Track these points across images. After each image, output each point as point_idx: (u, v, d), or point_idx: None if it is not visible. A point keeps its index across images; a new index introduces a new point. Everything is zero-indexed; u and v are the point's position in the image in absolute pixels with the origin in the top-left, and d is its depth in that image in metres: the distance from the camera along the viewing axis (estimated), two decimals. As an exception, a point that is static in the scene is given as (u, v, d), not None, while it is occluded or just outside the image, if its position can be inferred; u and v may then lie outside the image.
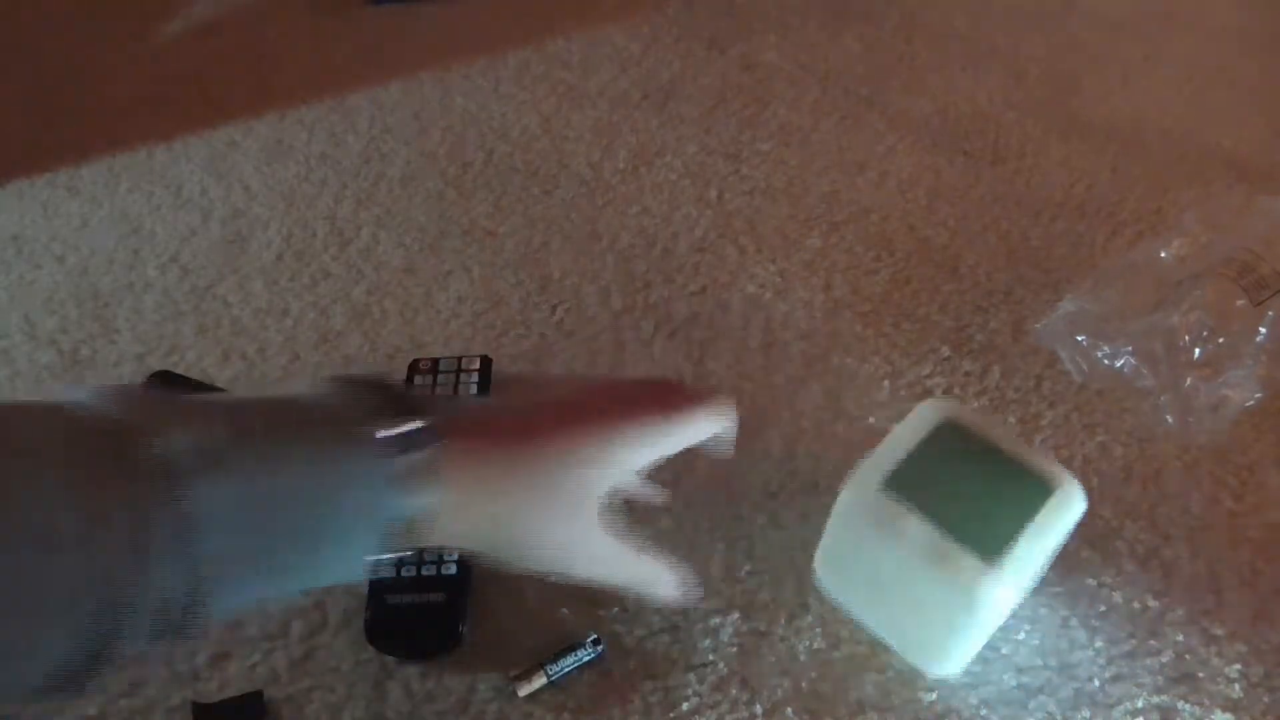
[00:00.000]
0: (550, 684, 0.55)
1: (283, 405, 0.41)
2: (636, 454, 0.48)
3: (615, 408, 0.48)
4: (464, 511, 0.43)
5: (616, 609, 0.59)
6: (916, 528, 0.51)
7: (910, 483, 0.53)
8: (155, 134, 0.92)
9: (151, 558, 0.34)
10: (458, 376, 0.69)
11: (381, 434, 0.41)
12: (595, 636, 0.56)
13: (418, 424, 0.42)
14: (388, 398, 0.43)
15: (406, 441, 0.41)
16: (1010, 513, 0.52)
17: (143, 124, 0.93)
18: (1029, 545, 0.51)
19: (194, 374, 0.71)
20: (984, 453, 0.55)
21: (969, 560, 0.50)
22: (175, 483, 0.35)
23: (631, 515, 0.63)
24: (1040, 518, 0.52)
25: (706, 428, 0.50)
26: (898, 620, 0.57)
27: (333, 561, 0.40)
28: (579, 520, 0.47)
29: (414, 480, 0.41)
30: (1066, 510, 0.53)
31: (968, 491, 0.53)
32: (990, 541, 0.51)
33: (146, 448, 0.35)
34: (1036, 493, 0.53)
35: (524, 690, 0.55)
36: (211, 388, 0.71)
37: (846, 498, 0.54)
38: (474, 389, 0.68)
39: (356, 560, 0.41)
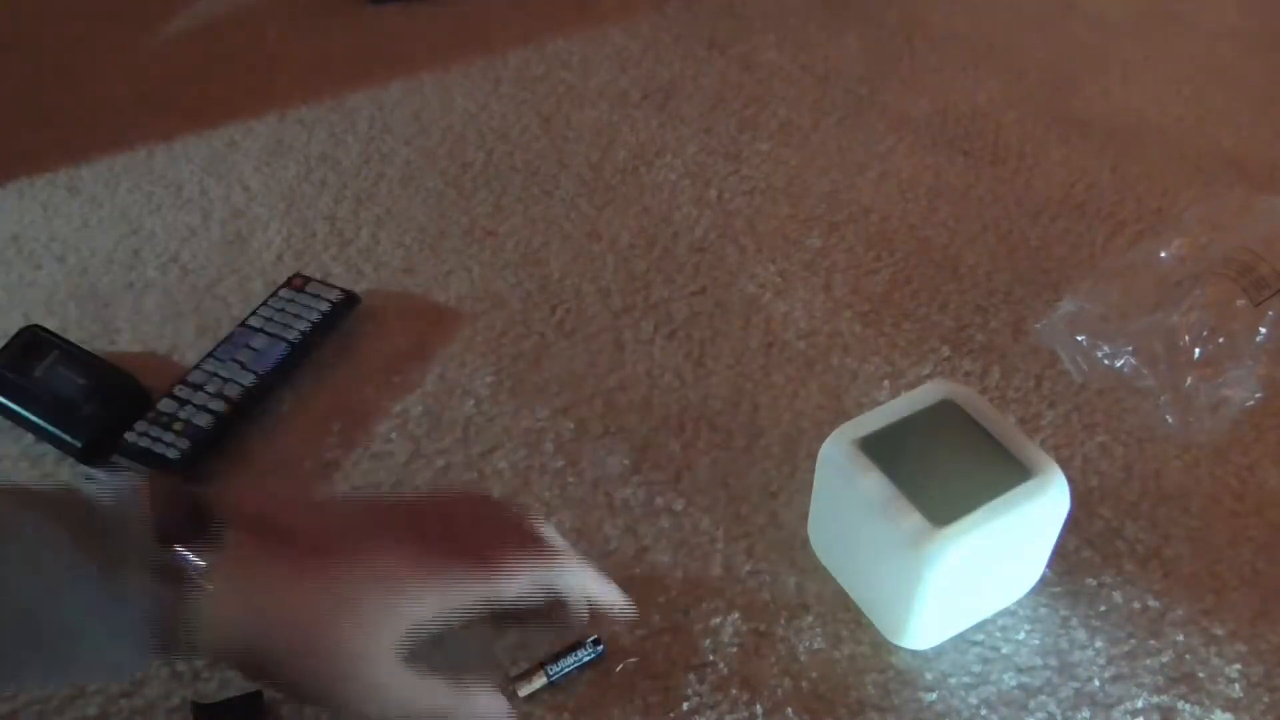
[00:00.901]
0: (550, 684, 0.55)
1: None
2: (443, 602, 0.43)
3: (434, 545, 0.44)
4: (235, 606, 0.40)
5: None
6: (875, 482, 0.53)
7: (888, 445, 0.55)
8: (155, 134, 0.92)
9: None
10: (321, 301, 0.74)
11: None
12: (595, 636, 0.56)
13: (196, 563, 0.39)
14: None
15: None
16: (976, 489, 0.52)
17: (143, 124, 0.93)
18: (985, 520, 0.51)
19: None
20: (972, 434, 0.55)
21: (916, 519, 0.51)
22: None
23: (629, 517, 0.63)
24: (1005, 499, 0.52)
25: (531, 587, 0.45)
26: (863, 579, 0.58)
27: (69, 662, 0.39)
28: (372, 644, 0.41)
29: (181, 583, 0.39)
30: (1041, 498, 0.53)
31: (942, 463, 0.54)
32: (944, 508, 0.51)
33: None
34: (1011, 477, 0.53)
35: (524, 690, 0.55)
36: (82, 350, 0.70)
37: (825, 448, 0.56)
38: (318, 316, 0.72)
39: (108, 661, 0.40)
